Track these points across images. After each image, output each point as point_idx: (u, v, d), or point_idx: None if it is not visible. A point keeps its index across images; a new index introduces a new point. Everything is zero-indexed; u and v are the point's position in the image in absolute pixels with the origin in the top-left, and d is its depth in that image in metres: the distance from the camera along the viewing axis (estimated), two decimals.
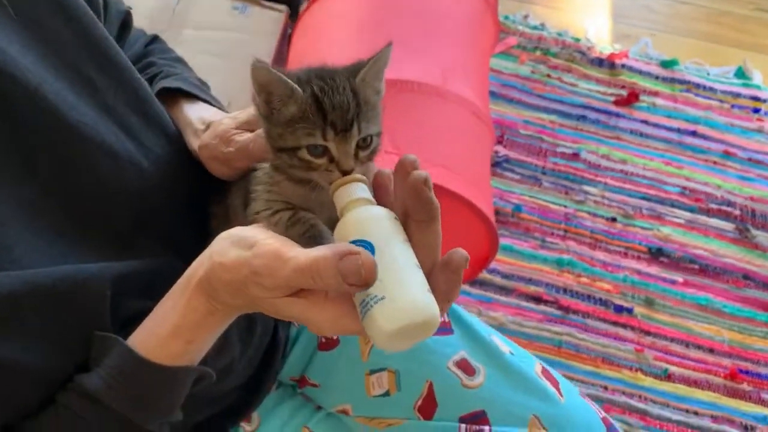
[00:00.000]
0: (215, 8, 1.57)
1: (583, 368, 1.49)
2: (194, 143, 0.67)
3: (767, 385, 1.50)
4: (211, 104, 0.72)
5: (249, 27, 1.56)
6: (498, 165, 1.74)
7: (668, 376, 1.49)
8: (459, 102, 1.30)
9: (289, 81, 0.51)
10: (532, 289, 1.58)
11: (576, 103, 1.87)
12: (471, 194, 1.18)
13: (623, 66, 1.93)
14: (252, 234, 0.49)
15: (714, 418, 1.45)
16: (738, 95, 1.92)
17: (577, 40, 1.98)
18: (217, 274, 0.49)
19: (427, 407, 0.76)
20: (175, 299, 0.53)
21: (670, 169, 1.78)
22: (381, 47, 0.55)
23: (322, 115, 0.51)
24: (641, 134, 1.83)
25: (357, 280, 0.43)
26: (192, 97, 0.72)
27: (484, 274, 1.56)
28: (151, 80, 0.75)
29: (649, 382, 1.48)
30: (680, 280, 1.62)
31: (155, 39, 0.84)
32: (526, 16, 2.02)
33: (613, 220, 1.69)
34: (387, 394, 0.77)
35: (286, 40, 1.60)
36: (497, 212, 1.65)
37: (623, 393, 1.46)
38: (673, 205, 1.72)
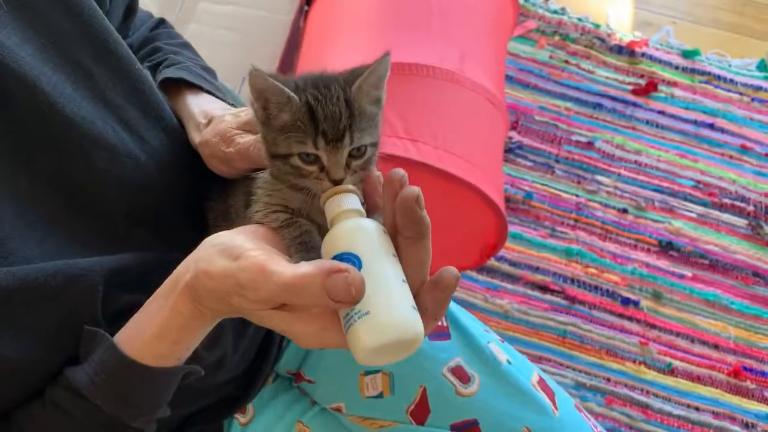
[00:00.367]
0: None
1: (587, 359, 1.49)
2: (195, 137, 0.67)
3: None
4: (215, 95, 0.71)
5: (266, 3, 1.54)
6: (511, 151, 1.73)
7: (671, 371, 1.49)
8: (474, 88, 1.29)
9: (285, 88, 0.51)
10: (539, 277, 1.58)
11: (593, 90, 1.84)
12: (482, 183, 1.17)
13: (643, 54, 1.90)
14: (239, 244, 0.48)
15: (715, 414, 1.45)
16: (759, 88, 1.89)
17: (598, 26, 1.94)
18: (202, 282, 0.48)
19: (420, 412, 0.76)
20: (161, 301, 0.52)
21: (685, 161, 1.76)
22: (388, 43, 0.54)
23: (314, 124, 0.51)
24: (657, 125, 1.81)
25: (345, 297, 0.43)
26: (196, 87, 0.71)
27: (492, 261, 1.56)
28: (156, 67, 0.74)
29: (652, 375, 1.48)
30: (689, 274, 1.61)
31: (161, 23, 0.83)
32: (546, 0, 1.99)
33: (625, 211, 1.68)
34: (380, 396, 0.77)
35: (302, 16, 1.58)
36: (508, 199, 1.65)
37: (625, 386, 1.46)
38: (685, 199, 1.71)
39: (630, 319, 1.54)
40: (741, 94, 1.88)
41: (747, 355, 1.52)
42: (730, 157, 1.78)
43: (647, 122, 1.81)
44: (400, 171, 0.47)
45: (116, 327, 0.55)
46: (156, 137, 0.65)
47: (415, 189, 0.46)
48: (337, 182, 0.51)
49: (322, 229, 0.51)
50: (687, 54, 1.92)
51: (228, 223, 0.54)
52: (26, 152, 0.56)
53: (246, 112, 0.64)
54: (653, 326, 1.54)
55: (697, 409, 1.45)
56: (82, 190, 0.60)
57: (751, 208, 1.71)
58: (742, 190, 1.73)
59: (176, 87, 0.72)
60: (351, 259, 0.46)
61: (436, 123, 1.22)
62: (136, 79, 0.65)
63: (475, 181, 1.17)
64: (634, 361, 1.49)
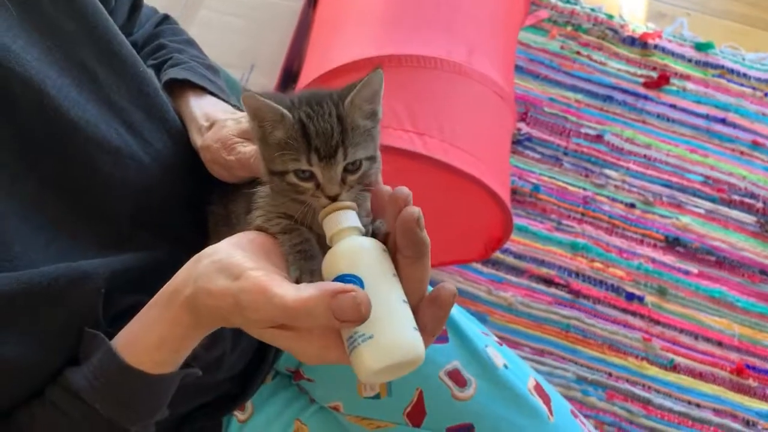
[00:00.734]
0: None
1: (589, 353, 1.49)
2: (197, 140, 0.67)
3: None
4: (219, 97, 0.71)
5: None
6: (519, 143, 1.72)
7: (674, 367, 1.49)
8: (482, 80, 1.28)
9: (278, 107, 0.51)
10: (544, 271, 1.57)
11: (604, 82, 1.82)
12: (487, 177, 1.16)
13: (656, 47, 1.88)
14: (239, 261, 0.48)
15: (716, 412, 1.45)
16: None
17: (611, 17, 1.92)
18: (202, 300, 0.48)
19: (416, 414, 0.76)
20: (161, 310, 0.52)
21: (695, 156, 1.75)
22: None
23: (307, 141, 0.51)
24: (668, 119, 1.79)
25: (353, 317, 0.43)
26: (200, 88, 0.71)
27: (496, 254, 1.55)
28: (160, 66, 0.74)
29: (654, 371, 1.48)
30: (695, 271, 1.60)
31: (165, 18, 0.83)
32: None
33: (632, 206, 1.67)
34: (378, 397, 0.78)
35: (311, 2, 1.57)
36: (515, 191, 1.64)
37: (627, 381, 1.47)
38: (694, 194, 1.70)
39: (634, 314, 1.54)
40: (754, 88, 1.85)
41: (751, 353, 1.52)
42: (741, 152, 1.76)
43: (658, 116, 1.80)
44: (405, 190, 0.47)
45: (117, 328, 0.55)
46: (159, 139, 0.66)
47: (416, 210, 0.46)
48: (333, 198, 0.51)
49: (323, 240, 0.52)
50: (700, 47, 1.89)
51: (228, 228, 0.54)
52: (31, 156, 0.56)
53: (247, 119, 0.64)
54: (657, 322, 1.54)
55: (698, 405, 1.45)
56: (86, 193, 0.60)
57: (760, 205, 1.69)
58: (752, 187, 1.72)
59: (180, 88, 0.72)
60: (353, 280, 0.46)
61: (442, 116, 1.21)
62: (140, 81, 0.65)
63: (481, 175, 1.16)
64: (637, 357, 1.49)
